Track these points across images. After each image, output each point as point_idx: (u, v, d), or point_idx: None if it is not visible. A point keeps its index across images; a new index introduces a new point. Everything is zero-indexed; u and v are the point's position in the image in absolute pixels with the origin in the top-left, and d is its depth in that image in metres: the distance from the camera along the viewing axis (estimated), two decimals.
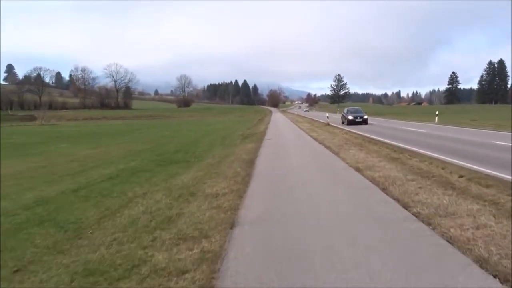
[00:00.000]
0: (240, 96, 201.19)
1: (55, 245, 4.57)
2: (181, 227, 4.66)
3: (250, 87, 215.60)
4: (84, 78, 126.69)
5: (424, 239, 3.90)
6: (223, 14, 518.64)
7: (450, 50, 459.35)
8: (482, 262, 3.21)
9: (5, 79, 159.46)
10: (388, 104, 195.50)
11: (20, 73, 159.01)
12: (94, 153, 16.68)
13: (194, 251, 3.79)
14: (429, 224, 4.30)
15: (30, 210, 6.66)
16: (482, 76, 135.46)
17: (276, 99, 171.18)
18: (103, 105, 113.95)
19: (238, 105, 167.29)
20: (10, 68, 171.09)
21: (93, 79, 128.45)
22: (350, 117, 29.21)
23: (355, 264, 3.31)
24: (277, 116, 65.24)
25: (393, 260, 3.36)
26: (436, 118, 31.13)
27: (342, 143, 14.27)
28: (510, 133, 17.20)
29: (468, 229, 4.02)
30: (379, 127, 25.64)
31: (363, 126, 26.20)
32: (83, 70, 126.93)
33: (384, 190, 6.16)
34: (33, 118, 66.35)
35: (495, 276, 2.98)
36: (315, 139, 16.67)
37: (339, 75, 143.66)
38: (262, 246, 3.91)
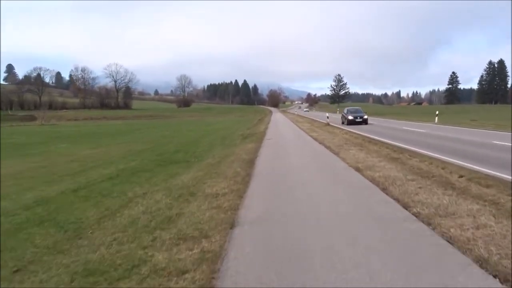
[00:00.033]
0: (240, 96, 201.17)
1: (55, 245, 4.57)
2: (181, 227, 4.66)
3: (250, 87, 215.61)
4: (84, 78, 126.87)
5: (424, 239, 3.90)
6: (223, 14, 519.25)
7: (450, 50, 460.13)
8: (482, 262, 3.21)
9: (5, 79, 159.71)
10: (388, 104, 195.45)
11: (20, 73, 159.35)
12: (94, 153, 16.68)
13: (194, 251, 3.79)
14: (429, 224, 4.30)
15: (30, 210, 6.66)
16: (482, 76, 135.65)
17: (276, 99, 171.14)
18: (103, 105, 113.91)
19: (238, 105, 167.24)
20: (10, 68, 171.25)
21: (93, 79, 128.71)
22: (350, 117, 29.20)
23: (355, 264, 3.31)
24: (277, 116, 65.23)
25: (393, 260, 3.36)
26: (436, 118, 31.12)
27: (342, 143, 14.27)
28: (510, 133, 17.20)
29: (468, 229, 4.02)
30: (379, 127, 25.64)
31: (363, 126, 26.20)
32: (83, 70, 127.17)
33: (384, 190, 6.16)
34: (33, 118, 66.35)
35: (495, 276, 2.98)
36: (315, 139, 16.67)
37: (339, 75, 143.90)
38: (262, 246, 3.90)
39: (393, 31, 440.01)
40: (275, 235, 4.22)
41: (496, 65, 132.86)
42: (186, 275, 3.27)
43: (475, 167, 8.31)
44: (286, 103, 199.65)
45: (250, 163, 10.08)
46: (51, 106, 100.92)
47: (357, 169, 8.25)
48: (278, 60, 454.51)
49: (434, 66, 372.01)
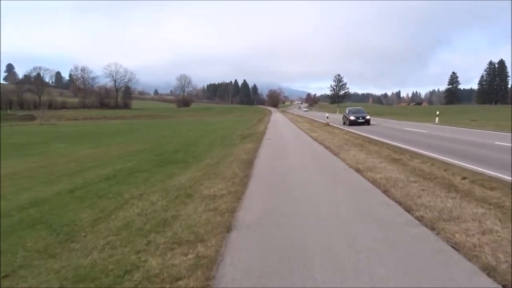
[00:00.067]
0: (239, 96, 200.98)
1: (46, 249, 4.42)
2: (176, 230, 4.52)
3: (250, 87, 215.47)
4: (83, 78, 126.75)
5: (428, 244, 3.75)
6: (223, 14, 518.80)
7: (450, 50, 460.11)
8: (490, 271, 3.06)
9: (5, 78, 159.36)
10: (388, 104, 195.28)
11: (20, 72, 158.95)
12: (93, 153, 16.55)
13: (188, 256, 3.65)
14: (433, 229, 4.15)
15: (24, 211, 6.52)
16: (482, 77, 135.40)
17: (276, 99, 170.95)
18: (103, 105, 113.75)
19: (238, 105, 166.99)
20: (10, 67, 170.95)
21: (93, 78, 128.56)
22: (352, 118, 28.44)
23: (355, 268, 3.16)
24: (276, 116, 65.10)
25: (395, 265, 3.22)
26: (437, 118, 30.96)
27: (342, 143, 14.13)
28: (510, 134, 17.06)
29: (473, 234, 3.86)
30: (379, 127, 25.49)
31: (363, 127, 25.99)
32: (82, 69, 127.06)
33: (385, 192, 6.02)
34: (32, 118, 66.17)
35: (504, 286, 2.82)
36: (315, 139, 16.53)
37: (339, 75, 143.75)
38: (259, 251, 3.76)
39: (393, 31, 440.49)
40: (273, 239, 4.08)
41: (496, 65, 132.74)
42: (180, 282, 3.13)
43: (478, 168, 8.14)
44: (286, 103, 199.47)
45: (249, 163, 9.94)
46: (51, 106, 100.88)
47: (358, 170, 8.11)
48: (278, 60, 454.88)
49: (434, 66, 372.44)
